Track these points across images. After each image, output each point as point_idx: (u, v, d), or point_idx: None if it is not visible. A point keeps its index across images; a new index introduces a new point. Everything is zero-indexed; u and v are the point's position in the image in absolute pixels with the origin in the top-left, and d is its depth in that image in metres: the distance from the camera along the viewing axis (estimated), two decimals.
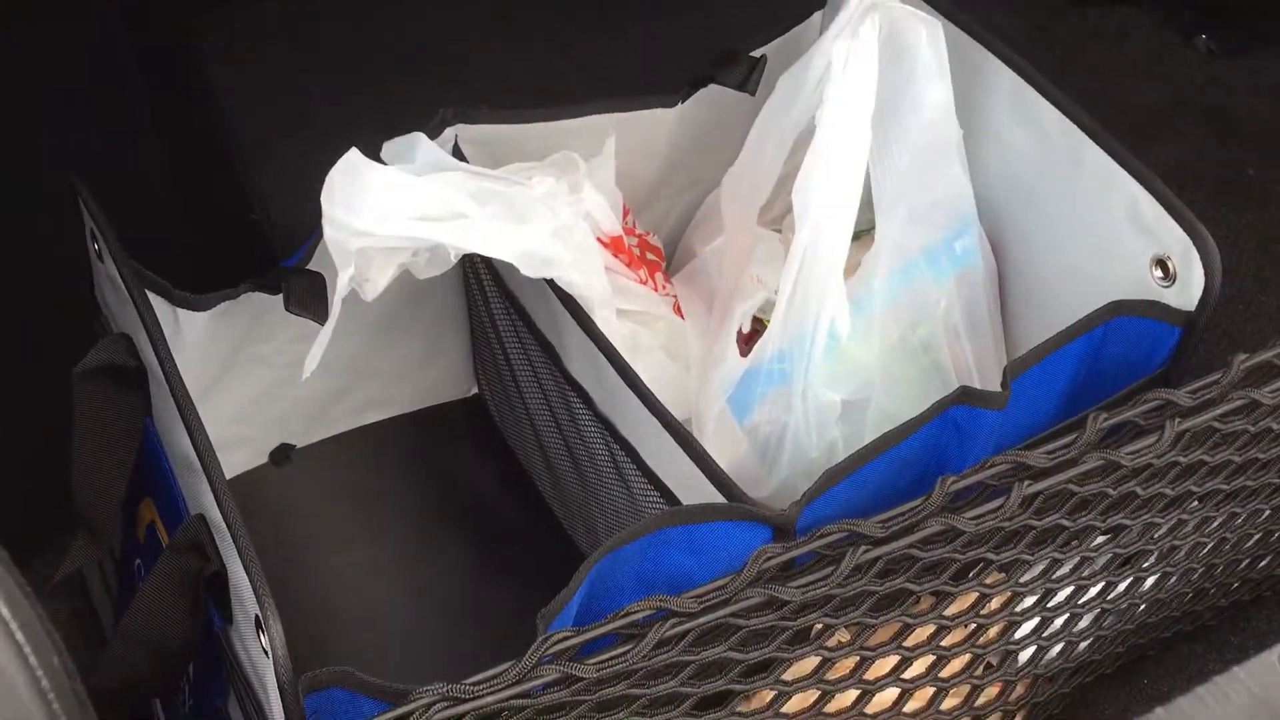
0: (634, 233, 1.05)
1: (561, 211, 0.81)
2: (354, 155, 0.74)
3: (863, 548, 0.69)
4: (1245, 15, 1.57)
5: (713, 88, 1.04)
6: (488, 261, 1.00)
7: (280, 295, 0.86)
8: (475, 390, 1.20)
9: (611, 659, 0.64)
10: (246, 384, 1.03)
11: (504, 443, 1.16)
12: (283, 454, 1.11)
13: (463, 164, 0.79)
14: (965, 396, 0.81)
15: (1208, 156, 1.43)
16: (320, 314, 0.82)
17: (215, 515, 0.68)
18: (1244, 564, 0.97)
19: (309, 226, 0.86)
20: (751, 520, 0.74)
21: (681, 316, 1.05)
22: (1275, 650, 0.83)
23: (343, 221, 0.73)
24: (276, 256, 1.20)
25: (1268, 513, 0.92)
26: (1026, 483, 0.73)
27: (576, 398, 0.94)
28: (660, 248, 1.11)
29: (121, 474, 0.81)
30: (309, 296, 0.82)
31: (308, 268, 0.89)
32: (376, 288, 0.79)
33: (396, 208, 0.73)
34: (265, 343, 1.02)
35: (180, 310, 0.90)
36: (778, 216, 1.08)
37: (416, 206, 0.74)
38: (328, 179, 0.74)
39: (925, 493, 0.72)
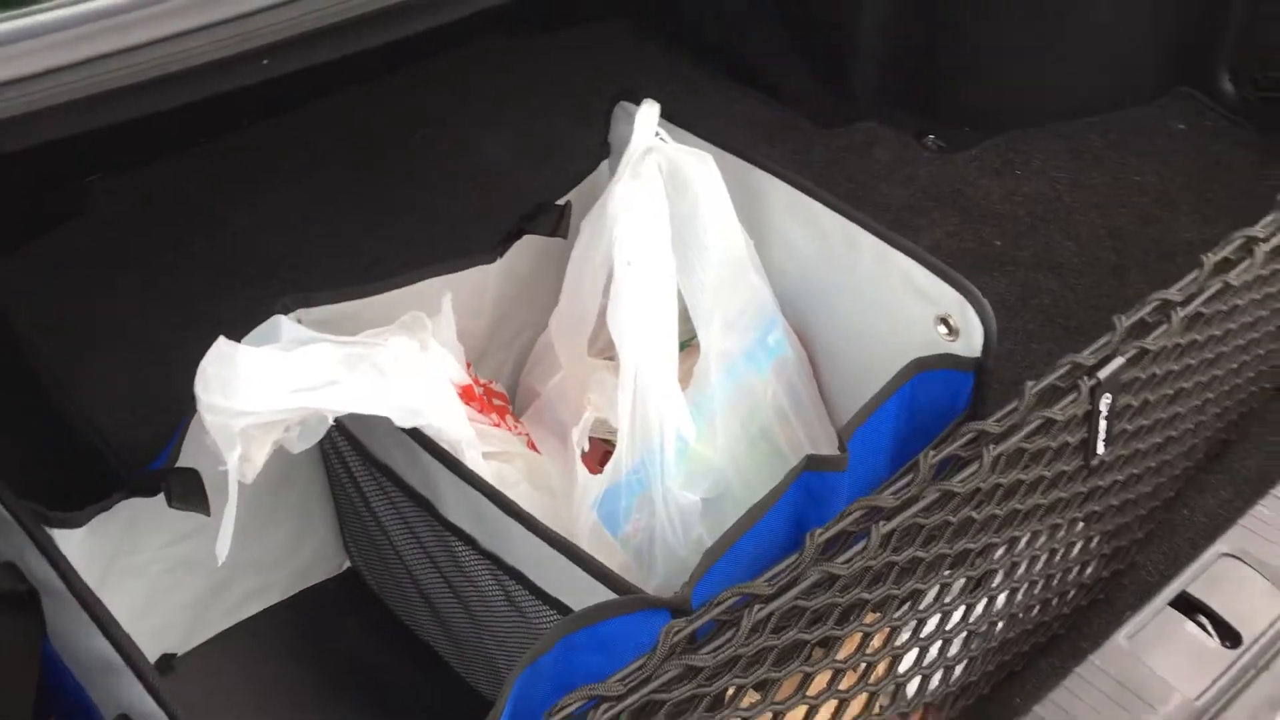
0: (479, 382, 1.12)
1: (421, 366, 0.87)
2: (223, 343, 0.79)
3: (756, 606, 0.76)
4: (962, 116, 1.80)
5: (526, 239, 1.14)
6: (349, 435, 1.05)
7: (153, 499, 0.89)
8: (347, 564, 1.22)
9: None
10: (123, 598, 1.02)
11: (386, 611, 1.18)
12: (165, 665, 1.10)
13: (325, 335, 0.85)
14: (811, 464, 0.90)
15: (960, 235, 1.63)
16: (203, 506, 0.85)
17: (145, 707, 0.69)
18: (1074, 572, 1.08)
19: (148, 438, 0.89)
20: (650, 608, 0.81)
21: (537, 451, 1.12)
22: (1121, 632, 0.95)
23: (222, 406, 0.77)
24: (114, 472, 1.22)
25: (1082, 522, 1.04)
26: (881, 523, 0.82)
27: (459, 541, 0.98)
28: (504, 393, 1.18)
29: (28, 696, 0.81)
30: (189, 491, 0.85)
31: (177, 466, 0.92)
32: (256, 467, 0.83)
33: (272, 383, 0.78)
34: (137, 554, 1.02)
35: (55, 531, 0.90)
36: (606, 346, 1.17)
37: (291, 379, 0.79)
38: (200, 369, 0.78)
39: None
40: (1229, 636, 0.94)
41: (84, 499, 0.95)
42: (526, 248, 1.16)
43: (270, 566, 1.16)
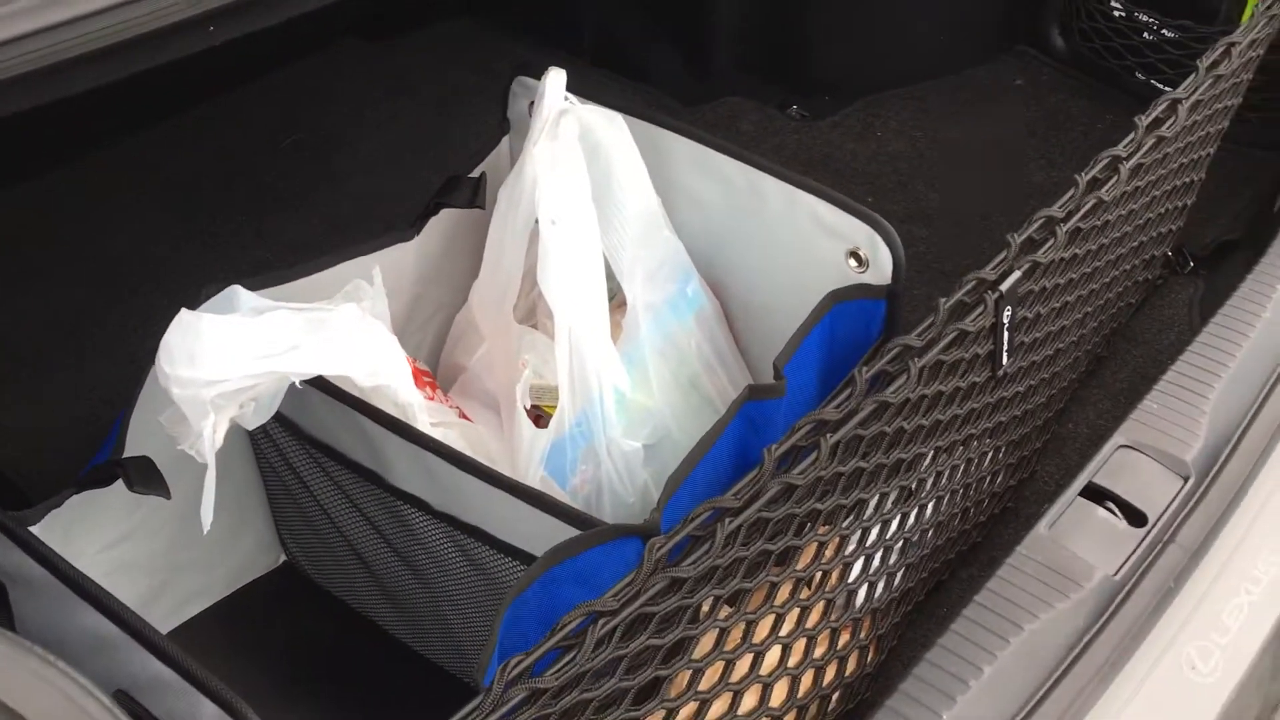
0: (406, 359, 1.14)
1: (372, 329, 0.89)
2: (186, 314, 0.79)
3: (727, 519, 0.80)
4: (821, 85, 1.89)
5: (441, 215, 1.16)
6: (283, 419, 1.05)
7: (88, 502, 0.88)
8: (283, 558, 1.21)
9: (564, 666, 0.71)
10: None
11: (330, 599, 1.18)
12: None
13: (281, 304, 0.85)
14: (753, 393, 0.95)
15: None
16: (163, 489, 0.85)
17: (148, 674, 0.69)
18: (987, 481, 1.16)
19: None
20: (625, 535, 0.84)
21: (471, 421, 1.14)
22: (1042, 523, 1.02)
23: (189, 377, 0.77)
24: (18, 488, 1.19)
25: (991, 433, 1.12)
26: (828, 435, 0.87)
27: (410, 508, 1.00)
28: (428, 369, 1.20)
29: None
30: (148, 476, 0.84)
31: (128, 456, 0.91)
32: (217, 442, 0.83)
33: (238, 350, 0.78)
34: (74, 560, 1.00)
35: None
36: (529, 312, 1.20)
37: (255, 346, 0.79)
38: (163, 342, 0.78)
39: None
40: (1135, 517, 1.03)
41: None
42: (438, 226, 1.18)
43: (208, 565, 1.15)
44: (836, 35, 1.87)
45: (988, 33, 1.92)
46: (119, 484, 0.90)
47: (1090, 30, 1.83)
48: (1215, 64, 1.19)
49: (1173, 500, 1.04)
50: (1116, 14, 1.77)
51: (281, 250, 1.55)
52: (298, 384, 0.84)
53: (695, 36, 1.89)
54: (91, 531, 1.00)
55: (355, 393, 0.94)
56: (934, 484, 1.04)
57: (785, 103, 1.89)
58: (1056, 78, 1.91)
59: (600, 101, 1.13)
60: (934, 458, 1.03)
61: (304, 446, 1.06)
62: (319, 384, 0.93)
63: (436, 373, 1.25)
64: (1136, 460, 1.08)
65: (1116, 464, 1.08)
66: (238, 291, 0.85)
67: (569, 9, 1.91)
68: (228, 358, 0.78)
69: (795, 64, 1.90)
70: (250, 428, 0.87)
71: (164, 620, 1.13)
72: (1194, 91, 1.16)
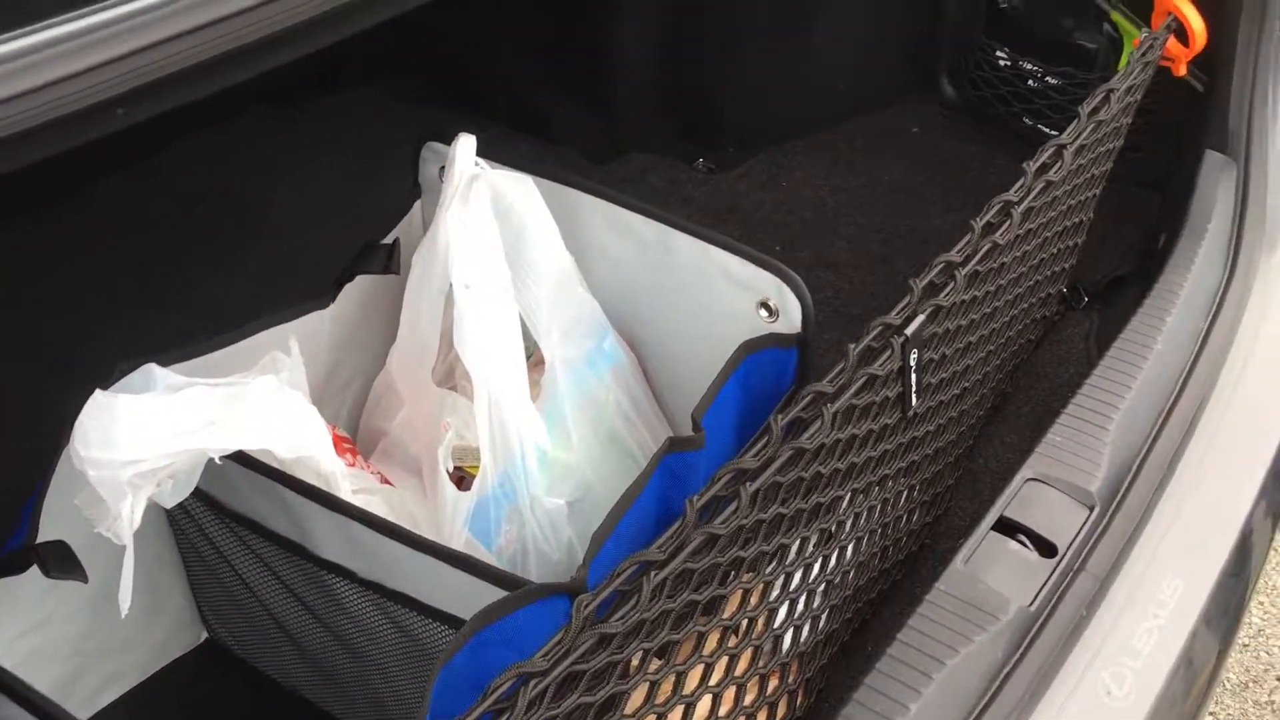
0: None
1: (293, 401, 0.88)
2: (100, 395, 0.78)
3: (653, 572, 0.82)
4: (726, 138, 1.94)
5: (356, 281, 1.16)
6: (202, 494, 1.04)
7: (16, 577, 0.86)
8: (205, 635, 1.19)
9: None
10: None
11: (256, 674, 1.17)
12: None
13: (197, 379, 0.85)
14: (673, 445, 0.97)
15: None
16: (80, 573, 0.83)
17: None
18: (903, 520, 1.19)
19: None
20: (553, 594, 0.85)
21: (393, 486, 1.14)
22: (958, 558, 1.05)
23: (105, 459, 0.76)
24: None
25: (905, 473, 1.15)
26: (748, 483, 0.89)
27: (335, 576, 0.99)
28: (348, 436, 1.19)
29: None
30: (63, 560, 0.83)
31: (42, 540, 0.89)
32: (135, 522, 0.82)
33: (154, 429, 0.78)
34: None
35: None
36: (448, 374, 1.21)
37: (172, 423, 0.79)
38: (77, 425, 0.77)
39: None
40: (1046, 548, 1.07)
41: None
42: (354, 292, 1.18)
43: (124, 649, 1.12)
44: (738, 89, 1.92)
45: (883, 83, 1.99)
46: (33, 569, 0.88)
47: (979, 79, 1.91)
48: (1096, 110, 1.25)
49: (1080, 529, 1.08)
50: (1002, 63, 1.84)
51: (199, 317, 1.53)
52: (216, 459, 0.84)
53: (601, 95, 1.92)
54: (4, 620, 0.98)
55: (275, 464, 0.94)
56: (853, 525, 1.06)
57: (692, 156, 1.93)
58: (950, 124, 1.98)
59: (512, 163, 1.15)
60: (851, 499, 1.05)
61: (224, 521, 1.04)
62: (238, 457, 0.93)
63: (356, 439, 1.25)
64: (1044, 492, 1.12)
65: (1025, 497, 1.12)
66: (152, 370, 0.84)
67: (476, 72, 1.93)
68: (144, 437, 0.77)
69: (699, 118, 1.94)
70: (168, 506, 0.86)
71: (82, 706, 1.10)
72: (1078, 137, 1.21)
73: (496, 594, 0.89)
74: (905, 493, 1.18)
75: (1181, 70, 1.44)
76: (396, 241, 1.16)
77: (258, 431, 0.84)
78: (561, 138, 1.92)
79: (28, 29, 0.74)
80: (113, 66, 0.78)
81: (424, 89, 1.94)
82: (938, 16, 1.91)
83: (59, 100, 0.86)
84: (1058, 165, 1.20)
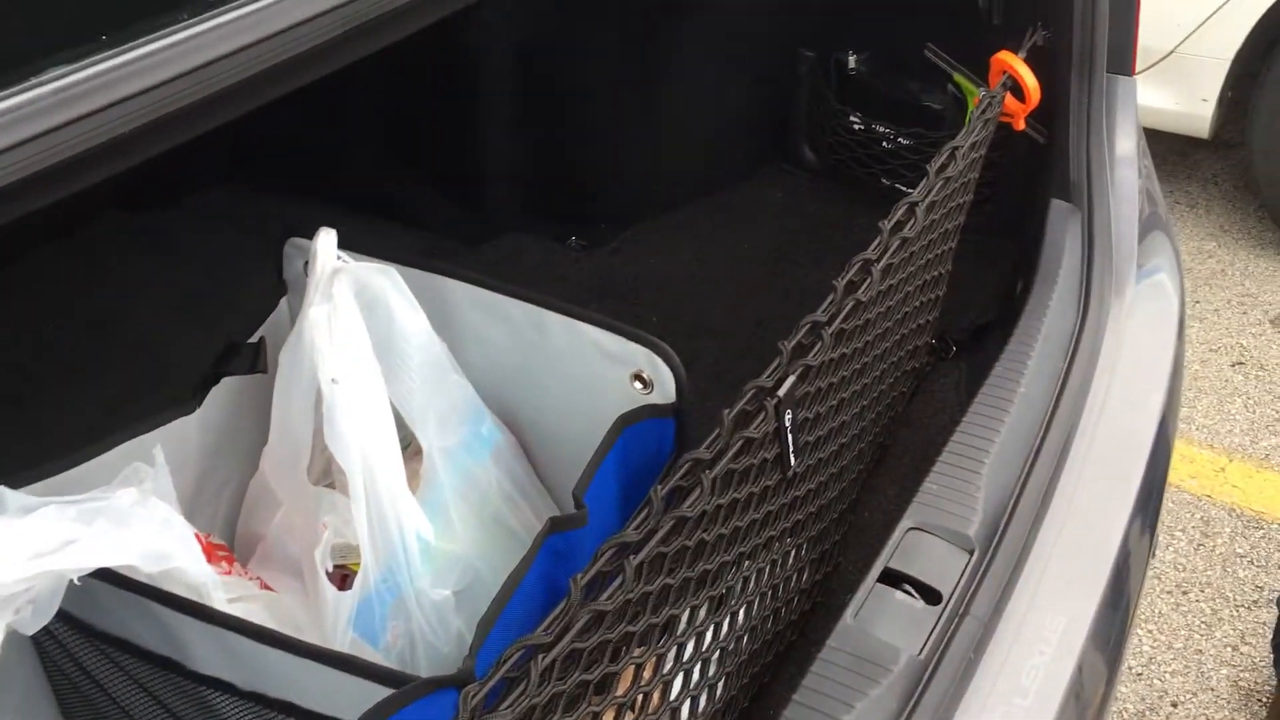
0: (199, 536, 1.10)
1: (156, 512, 0.86)
2: None
3: (540, 656, 0.81)
4: (596, 215, 1.96)
5: (223, 384, 1.14)
6: (68, 616, 0.99)
7: None
8: None
9: None
10: None
11: None
12: None
13: (51, 499, 0.82)
14: (555, 525, 0.96)
15: (619, 319, 1.75)
16: None
17: None
18: (793, 580, 1.20)
19: None
20: (440, 688, 0.83)
21: (273, 590, 1.11)
22: (847, 613, 1.06)
23: None
24: None
25: (790, 534, 1.16)
26: (631, 557, 0.89)
27: (214, 691, 0.95)
28: (224, 544, 1.16)
29: None
30: None
31: None
32: None
33: (8, 553, 0.74)
34: None
35: None
36: (324, 471, 1.18)
37: (27, 546, 0.76)
38: None
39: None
40: (931, 596, 1.08)
41: None
42: (223, 395, 1.16)
43: None
44: (603, 169, 1.95)
45: (746, 153, 2.04)
46: None
47: (836, 143, 1.97)
48: (943, 168, 1.30)
49: (962, 575, 1.10)
50: (856, 127, 1.91)
51: (58, 436, 1.48)
52: (76, 580, 0.80)
53: (469, 179, 1.93)
54: None
55: (143, 579, 0.91)
56: (742, 590, 1.07)
57: (564, 234, 1.95)
58: (813, 188, 2.04)
59: (379, 253, 1.14)
60: (739, 563, 1.06)
61: (93, 643, 1.00)
62: (102, 575, 0.89)
63: (235, 544, 1.22)
64: (925, 540, 1.14)
65: (907, 546, 1.13)
66: (2, 493, 0.81)
67: (339, 162, 1.93)
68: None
69: (568, 198, 1.96)
70: (29, 633, 0.82)
71: None
72: (928, 194, 1.26)
73: (383, 693, 0.87)
74: (793, 552, 1.19)
75: (1021, 125, 1.50)
76: (262, 340, 1.14)
77: (120, 546, 0.81)
78: (432, 224, 1.92)
79: None
80: None
81: (289, 182, 1.93)
82: (792, 85, 1.97)
83: None
84: (911, 222, 1.24)
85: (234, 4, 0.81)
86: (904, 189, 1.89)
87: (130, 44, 0.74)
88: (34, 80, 0.68)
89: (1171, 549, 2.28)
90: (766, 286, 1.85)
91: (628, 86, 1.89)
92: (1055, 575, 1.11)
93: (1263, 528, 2.31)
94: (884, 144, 1.89)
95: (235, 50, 0.80)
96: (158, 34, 0.75)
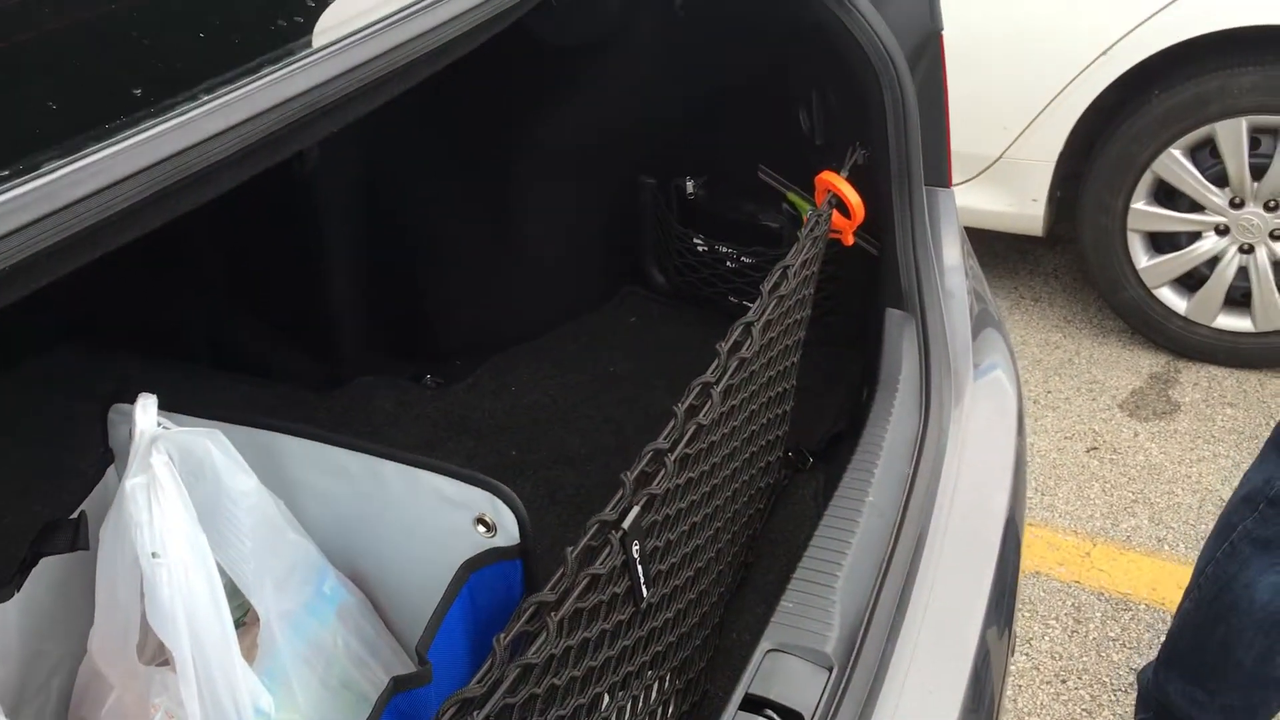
0: None
1: None
2: None
3: None
4: (450, 351, 1.95)
5: (42, 566, 1.08)
6: None
7: None
8: None
9: None
10: None
11: None
12: None
13: None
14: (398, 684, 0.93)
15: (479, 455, 1.74)
16: None
17: None
18: (659, 713, 1.17)
19: None
20: None
21: None
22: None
23: None
24: None
25: (650, 666, 1.14)
26: (476, 712, 0.86)
27: None
28: None
29: None
30: None
31: None
32: None
33: None
34: None
35: None
36: (157, 650, 1.12)
37: None
38: None
39: None
40: (792, 719, 1.07)
41: None
42: (45, 576, 1.10)
43: None
44: (456, 303, 1.95)
45: (597, 279, 2.07)
46: None
47: (683, 266, 2.01)
48: (775, 287, 1.33)
49: (822, 694, 1.09)
50: (700, 249, 1.95)
51: None
52: None
53: (315, 324, 1.91)
54: None
55: None
56: None
57: (419, 373, 1.93)
58: (665, 310, 2.07)
59: (212, 411, 1.11)
60: (597, 704, 1.03)
61: None
62: None
63: None
64: (785, 661, 1.12)
65: (768, 669, 1.12)
66: None
67: (175, 314, 1.88)
68: None
69: (421, 336, 1.95)
70: None
71: None
72: (762, 314, 1.28)
73: None
74: (656, 684, 1.17)
75: (850, 240, 1.55)
76: (83, 515, 1.09)
77: None
78: (278, 373, 1.88)
79: None
80: None
81: (125, 339, 1.87)
82: (637, 211, 2.01)
83: None
84: (748, 343, 1.26)
85: (25, 175, 0.79)
86: (750, 305, 1.93)
87: None
88: None
89: (1047, 638, 2.30)
90: (625, 411, 1.85)
91: (475, 219, 1.90)
92: (915, 686, 1.11)
93: (1131, 609, 2.36)
94: (728, 264, 1.94)
95: (44, 215, 0.78)
96: None
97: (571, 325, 2.03)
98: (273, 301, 1.89)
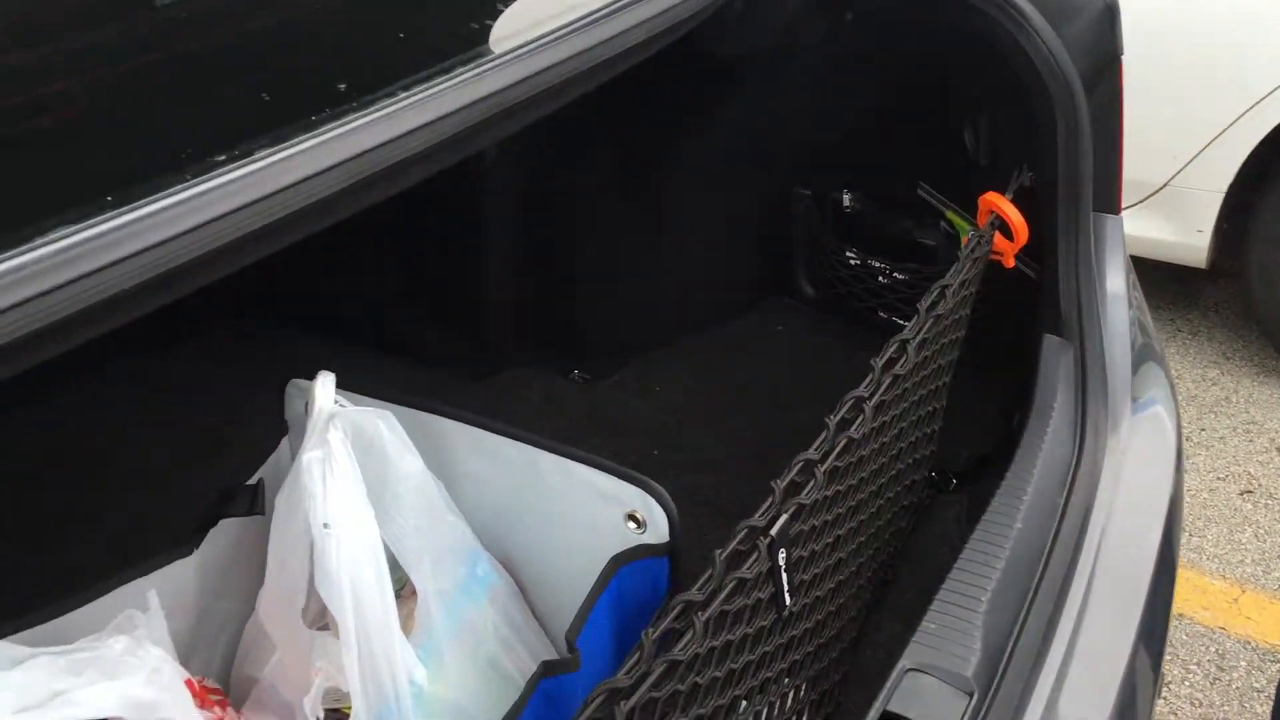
0: (191, 681, 1.09)
1: (146, 660, 0.86)
2: None
3: None
4: (598, 349, 1.99)
5: (220, 528, 1.15)
6: None
7: None
8: None
9: None
10: None
11: None
12: None
13: (41, 649, 0.82)
14: (547, 669, 0.96)
15: (622, 452, 1.77)
16: None
17: None
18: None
19: None
20: None
21: None
22: None
23: None
24: None
25: (788, 674, 1.15)
26: (623, 702, 0.88)
27: None
28: (219, 687, 1.15)
29: None
30: None
31: None
32: None
33: None
34: None
35: None
36: (320, 614, 1.18)
37: (15, 699, 0.76)
38: None
39: None
40: None
41: None
42: (222, 537, 1.17)
43: None
44: (607, 302, 1.99)
45: (746, 287, 2.08)
46: None
47: (834, 278, 2.00)
48: (933, 305, 1.32)
49: (963, 719, 1.08)
50: (853, 262, 1.94)
51: (51, 582, 1.48)
52: None
53: (473, 315, 1.97)
54: None
55: None
56: None
57: (567, 368, 1.97)
58: (811, 321, 2.07)
59: (379, 393, 1.16)
60: (734, 706, 1.05)
61: None
62: None
63: (230, 688, 1.21)
64: (924, 682, 1.12)
65: (906, 689, 1.12)
66: None
67: (346, 302, 1.97)
68: None
69: (572, 332, 1.99)
70: None
71: None
72: (919, 332, 1.28)
73: None
74: (791, 693, 1.17)
75: (1010, 262, 1.53)
76: (260, 482, 1.15)
77: (109, 697, 0.81)
78: (437, 359, 1.94)
79: None
80: None
81: (296, 323, 1.96)
82: (790, 221, 2.02)
83: None
84: (903, 359, 1.26)
85: (239, 162, 0.84)
86: (900, 321, 1.91)
87: (134, 204, 0.77)
88: (38, 241, 0.70)
89: (1187, 683, 2.23)
90: (767, 420, 1.86)
91: (629, 223, 1.94)
92: (1059, 718, 1.09)
93: (1278, 660, 2.26)
94: (880, 278, 1.93)
95: (237, 208, 0.83)
96: (160, 195, 0.78)
97: (717, 330, 2.05)
98: (436, 291, 1.96)
